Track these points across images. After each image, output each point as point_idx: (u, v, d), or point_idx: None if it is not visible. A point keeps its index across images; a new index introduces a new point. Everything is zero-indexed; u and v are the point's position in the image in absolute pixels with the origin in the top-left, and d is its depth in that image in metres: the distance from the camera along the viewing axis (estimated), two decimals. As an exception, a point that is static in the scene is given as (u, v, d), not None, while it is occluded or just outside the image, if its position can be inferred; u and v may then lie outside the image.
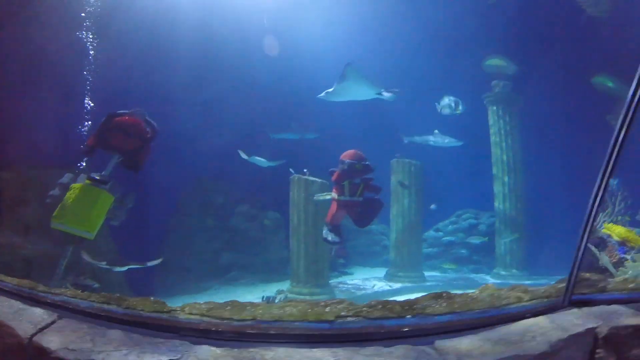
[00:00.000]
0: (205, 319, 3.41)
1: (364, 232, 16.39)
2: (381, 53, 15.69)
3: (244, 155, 13.46)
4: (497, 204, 15.06)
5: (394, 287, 12.74)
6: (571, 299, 3.92)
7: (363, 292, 12.19)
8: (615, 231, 9.41)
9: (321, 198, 10.82)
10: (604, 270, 8.65)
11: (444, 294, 4.02)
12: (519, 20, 14.35)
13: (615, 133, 3.43)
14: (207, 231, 14.57)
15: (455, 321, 3.63)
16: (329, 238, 10.03)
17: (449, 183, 16.83)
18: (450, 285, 13.33)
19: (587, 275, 4.64)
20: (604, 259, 8.65)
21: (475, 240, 16.46)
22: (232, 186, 15.60)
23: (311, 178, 11.42)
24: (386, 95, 11.40)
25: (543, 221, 14.14)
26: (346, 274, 14.65)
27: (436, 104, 13.94)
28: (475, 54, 15.42)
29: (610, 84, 13.33)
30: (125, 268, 8.94)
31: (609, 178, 3.68)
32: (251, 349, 3.06)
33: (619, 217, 10.42)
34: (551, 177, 13.46)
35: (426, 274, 14.58)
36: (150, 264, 9.08)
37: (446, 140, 14.63)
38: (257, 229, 14.93)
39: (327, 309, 3.56)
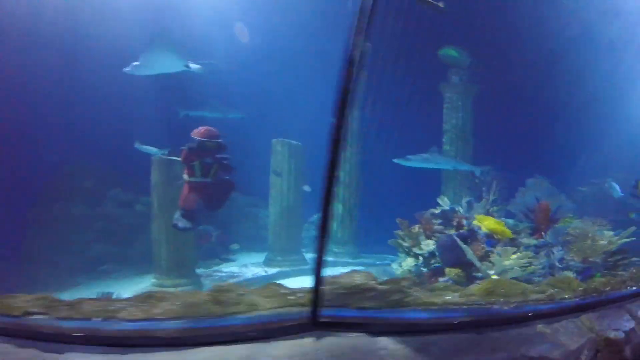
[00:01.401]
0: None
1: (250, 216, 16.43)
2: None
3: (137, 146, 12.44)
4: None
5: (270, 273, 12.57)
6: (318, 320, 3.14)
7: (235, 280, 11.77)
8: (484, 223, 9.23)
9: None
10: (470, 265, 8.49)
11: (158, 294, 3.51)
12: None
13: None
14: (74, 220, 13.35)
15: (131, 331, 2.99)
16: (179, 224, 9.58)
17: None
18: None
19: (370, 282, 3.85)
20: (469, 253, 8.42)
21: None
22: (102, 168, 14.47)
23: (173, 158, 10.64)
24: (194, 67, 10.98)
25: (375, 193, 14.21)
26: (229, 260, 14.13)
27: None
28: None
29: (454, 53, 14.29)
30: None
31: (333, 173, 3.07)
32: None
33: (495, 208, 10.32)
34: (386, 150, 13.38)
35: (310, 256, 14.33)
36: None
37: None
38: (131, 216, 14.13)
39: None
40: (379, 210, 11.23)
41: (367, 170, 14.86)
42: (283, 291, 3.61)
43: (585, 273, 7.56)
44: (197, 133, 9.51)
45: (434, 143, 14.85)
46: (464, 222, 9.27)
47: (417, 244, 9.54)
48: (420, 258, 9.39)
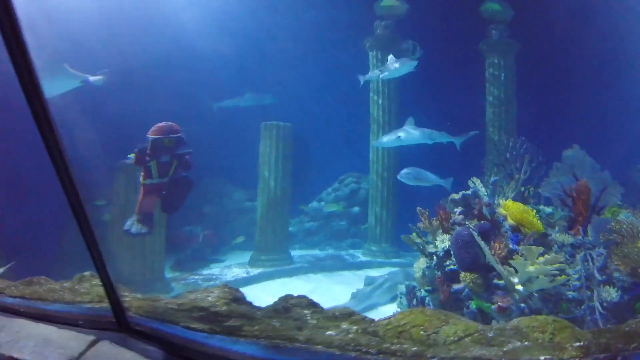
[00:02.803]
0: None
1: (246, 211, 14.86)
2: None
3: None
4: (371, 167, 13.47)
5: (251, 274, 11.19)
6: (130, 326, 2.89)
7: (211, 283, 10.36)
8: (511, 211, 6.99)
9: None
10: (490, 269, 6.29)
11: (42, 279, 3.79)
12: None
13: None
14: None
15: None
16: (132, 230, 8.45)
17: (331, 146, 15.43)
18: (316, 266, 12.16)
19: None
20: (487, 254, 6.23)
21: (331, 208, 14.79)
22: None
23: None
24: (93, 79, 10.36)
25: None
26: (217, 261, 12.89)
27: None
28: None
29: (497, 7, 12.57)
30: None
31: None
32: None
33: (531, 189, 7.98)
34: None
35: (303, 253, 13.46)
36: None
37: (397, 65, 10.91)
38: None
39: None
40: (420, 201, 9.48)
41: (406, 156, 13.09)
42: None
43: (633, 291, 5.24)
44: (152, 131, 8.43)
45: (477, 112, 13.15)
46: (485, 210, 6.98)
47: (434, 240, 7.43)
48: (435, 258, 7.23)
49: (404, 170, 9.78)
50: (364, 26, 13.59)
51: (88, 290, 3.38)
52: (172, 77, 13.46)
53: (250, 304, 3.09)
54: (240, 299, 3.07)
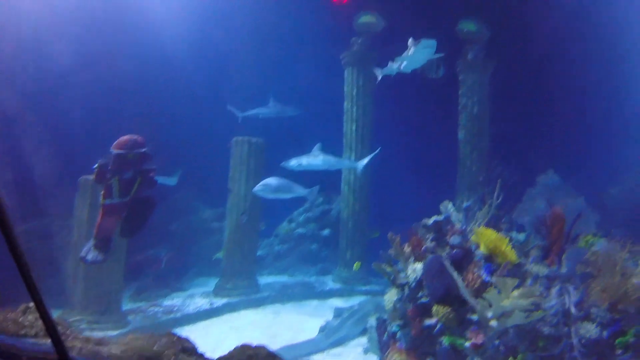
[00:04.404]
0: None
1: (213, 232, 14.01)
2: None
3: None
4: (343, 186, 12.89)
5: (215, 305, 10.50)
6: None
7: (171, 316, 9.73)
8: (484, 239, 6.65)
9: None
10: (463, 302, 5.95)
11: None
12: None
13: None
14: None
15: None
16: (88, 257, 7.74)
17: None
18: (284, 295, 11.52)
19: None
20: (461, 286, 5.88)
21: (282, 230, 14.45)
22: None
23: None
24: None
25: (390, 202, 11.94)
26: (180, 289, 11.96)
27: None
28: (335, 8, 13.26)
29: (472, 27, 12.29)
30: None
31: None
32: None
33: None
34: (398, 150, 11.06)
35: (272, 279, 12.81)
36: None
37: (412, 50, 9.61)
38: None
39: None
40: (394, 223, 9.10)
41: (378, 176, 12.85)
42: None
43: (612, 327, 4.93)
44: (115, 145, 7.71)
45: (450, 131, 12.76)
46: (456, 238, 6.66)
47: (405, 269, 7.04)
48: (406, 289, 6.87)
49: (260, 183, 9.66)
50: (342, 41, 13.35)
51: (32, 323, 3.05)
52: (141, 85, 12.92)
53: (201, 356, 2.90)
54: (190, 350, 2.89)
